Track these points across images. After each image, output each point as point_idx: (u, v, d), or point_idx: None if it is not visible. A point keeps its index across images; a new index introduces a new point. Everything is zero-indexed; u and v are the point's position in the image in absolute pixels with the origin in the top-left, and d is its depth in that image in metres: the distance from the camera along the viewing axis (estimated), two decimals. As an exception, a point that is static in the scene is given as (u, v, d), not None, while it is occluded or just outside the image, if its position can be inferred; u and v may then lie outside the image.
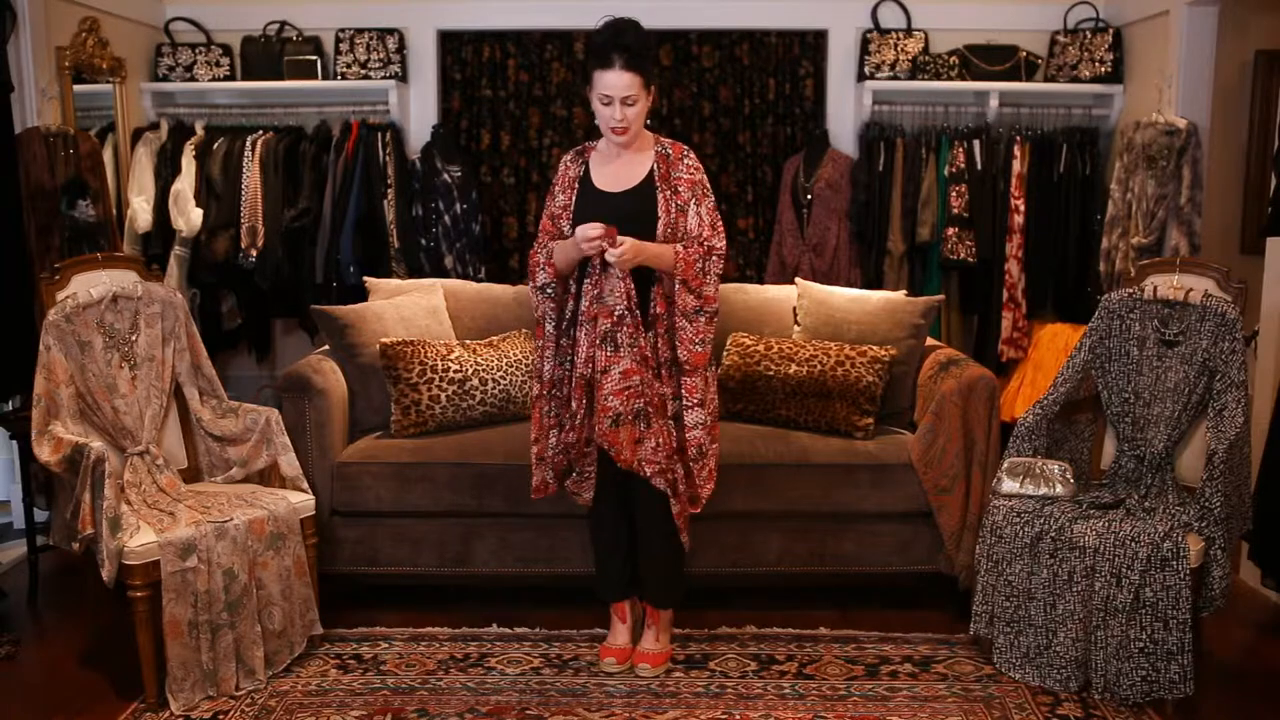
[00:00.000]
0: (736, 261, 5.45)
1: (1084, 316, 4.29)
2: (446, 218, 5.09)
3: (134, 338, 3.35)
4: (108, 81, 4.89)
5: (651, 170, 3.09)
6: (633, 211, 3.04)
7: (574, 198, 3.11)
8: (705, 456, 3.11)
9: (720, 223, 3.11)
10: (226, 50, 5.29)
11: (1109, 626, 2.94)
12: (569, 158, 3.19)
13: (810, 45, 5.40)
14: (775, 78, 5.41)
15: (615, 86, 2.95)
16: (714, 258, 3.07)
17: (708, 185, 3.13)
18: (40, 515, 3.99)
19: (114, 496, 2.93)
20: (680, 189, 3.07)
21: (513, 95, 5.44)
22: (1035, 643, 3.10)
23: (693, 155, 3.14)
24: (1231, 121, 4.78)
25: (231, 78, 5.30)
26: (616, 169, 3.12)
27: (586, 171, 3.14)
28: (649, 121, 3.15)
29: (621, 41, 2.93)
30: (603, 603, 3.33)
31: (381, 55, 5.24)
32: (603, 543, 3.25)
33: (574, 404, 3.06)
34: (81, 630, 3.50)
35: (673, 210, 3.05)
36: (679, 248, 3.02)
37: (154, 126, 5.13)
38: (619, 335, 2.99)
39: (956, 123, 5.17)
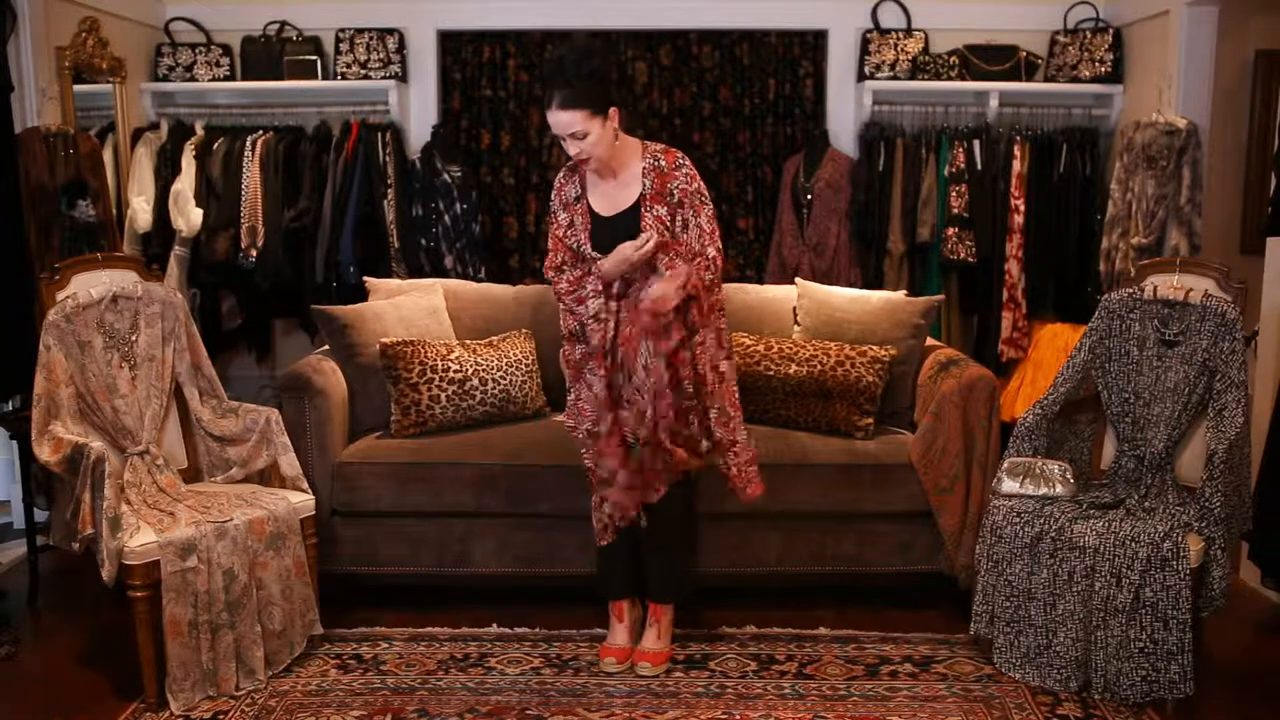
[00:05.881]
0: (736, 261, 5.45)
1: (1084, 316, 4.28)
2: (446, 218, 5.09)
3: (134, 338, 3.35)
4: (108, 81, 4.89)
5: (643, 191, 3.09)
6: (629, 234, 3.05)
7: (588, 222, 3.12)
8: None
9: (718, 231, 3.12)
10: (226, 50, 5.29)
11: (1109, 626, 2.94)
12: (562, 176, 3.21)
13: (810, 45, 5.40)
14: (775, 78, 5.41)
15: (555, 125, 2.99)
16: (711, 269, 3.06)
17: (705, 192, 3.12)
18: (40, 515, 3.99)
19: (114, 496, 2.93)
20: (680, 200, 3.07)
21: (513, 95, 5.44)
22: (1035, 643, 3.10)
23: (688, 163, 3.11)
24: (1231, 121, 4.78)
25: (231, 78, 5.30)
26: (608, 190, 3.13)
27: (584, 192, 3.15)
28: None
29: (561, 77, 2.94)
30: (602, 602, 3.33)
31: (381, 55, 5.24)
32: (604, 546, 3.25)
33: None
34: (81, 630, 3.50)
35: (664, 229, 3.05)
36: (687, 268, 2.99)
37: (154, 126, 5.13)
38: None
39: (956, 123, 5.17)
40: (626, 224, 3.08)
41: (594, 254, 3.11)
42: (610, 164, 3.09)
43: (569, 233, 3.15)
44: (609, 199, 3.13)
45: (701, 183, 3.12)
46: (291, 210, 5.05)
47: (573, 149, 3.01)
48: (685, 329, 3.00)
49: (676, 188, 3.08)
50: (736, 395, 3.22)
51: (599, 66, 2.98)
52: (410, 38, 5.32)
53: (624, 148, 3.10)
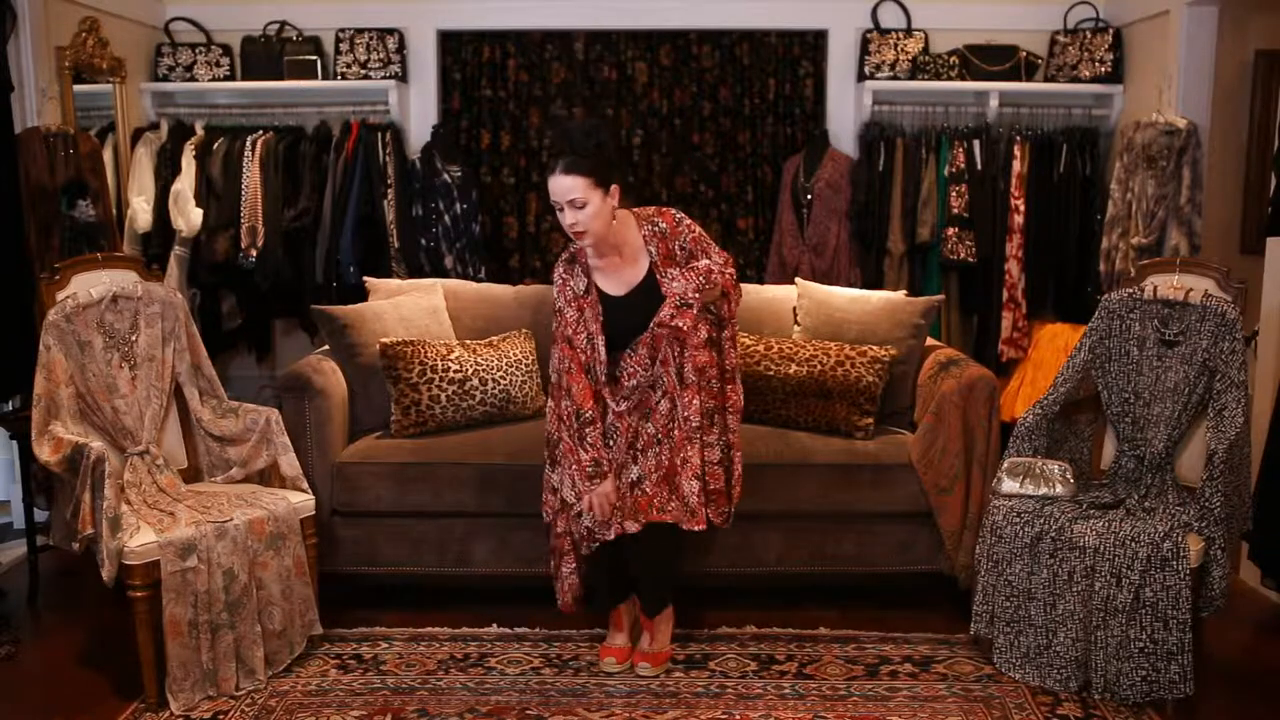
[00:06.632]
0: (736, 261, 5.44)
1: (1084, 316, 4.29)
2: (446, 218, 5.09)
3: (134, 338, 3.35)
4: (108, 81, 4.89)
5: (651, 259, 3.09)
6: (645, 309, 3.06)
7: (598, 312, 3.09)
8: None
9: (731, 260, 3.16)
10: (226, 50, 5.29)
11: (1109, 626, 2.95)
12: (562, 270, 3.13)
13: (810, 45, 5.40)
14: (775, 78, 5.41)
15: (555, 191, 2.95)
16: (715, 274, 3.09)
17: (708, 238, 3.16)
18: (40, 515, 3.99)
19: (114, 496, 2.93)
20: (691, 251, 3.11)
21: (513, 95, 5.44)
22: (1035, 643, 3.10)
23: (685, 216, 3.15)
24: (1231, 121, 4.78)
25: (231, 78, 5.30)
26: (616, 269, 3.11)
27: (590, 280, 3.11)
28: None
29: (567, 144, 2.93)
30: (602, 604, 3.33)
31: (381, 55, 5.24)
32: (593, 558, 3.23)
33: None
34: (81, 630, 3.50)
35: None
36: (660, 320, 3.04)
37: (154, 126, 5.14)
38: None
39: (956, 123, 5.17)
40: (643, 298, 3.08)
41: (602, 345, 3.08)
42: (609, 240, 3.05)
43: (596, 328, 3.09)
44: (618, 278, 3.11)
45: (701, 231, 3.16)
46: (291, 210, 5.05)
47: (569, 219, 2.95)
48: (716, 322, 3.14)
49: (684, 241, 3.11)
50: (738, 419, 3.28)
51: (604, 142, 2.98)
52: (410, 38, 5.32)
53: (622, 225, 3.08)
